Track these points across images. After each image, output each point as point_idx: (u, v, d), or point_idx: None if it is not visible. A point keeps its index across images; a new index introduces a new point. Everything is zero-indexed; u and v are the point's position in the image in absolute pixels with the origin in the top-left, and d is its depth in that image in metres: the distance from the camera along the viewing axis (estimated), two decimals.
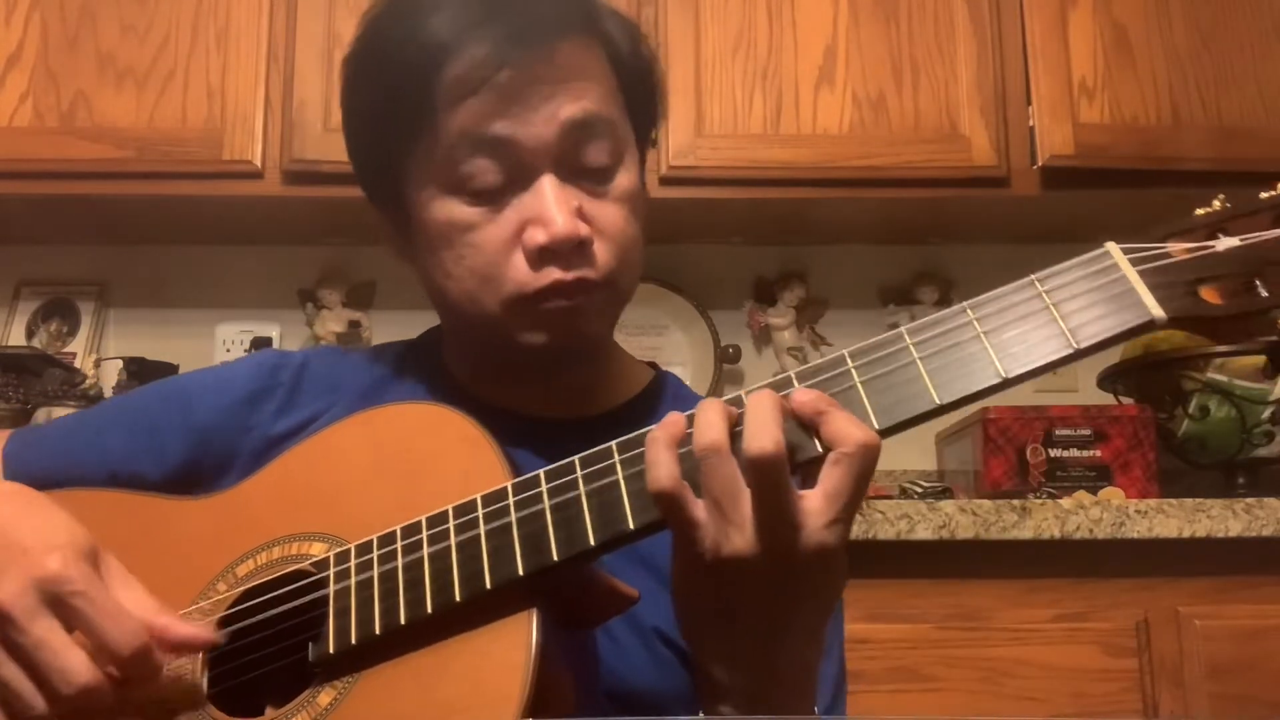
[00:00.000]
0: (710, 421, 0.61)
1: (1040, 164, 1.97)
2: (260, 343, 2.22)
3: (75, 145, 1.95)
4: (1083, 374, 2.21)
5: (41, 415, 1.91)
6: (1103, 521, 1.55)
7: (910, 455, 2.16)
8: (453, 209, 0.80)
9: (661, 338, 2.29)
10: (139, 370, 2.07)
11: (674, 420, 0.63)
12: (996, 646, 1.56)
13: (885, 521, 1.54)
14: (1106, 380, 2.01)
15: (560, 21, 0.80)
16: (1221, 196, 0.66)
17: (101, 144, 1.95)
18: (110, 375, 2.13)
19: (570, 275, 0.78)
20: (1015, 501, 1.57)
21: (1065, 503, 1.58)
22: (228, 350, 2.24)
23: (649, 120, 0.89)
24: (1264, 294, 0.61)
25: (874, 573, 1.55)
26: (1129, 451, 1.83)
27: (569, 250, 0.77)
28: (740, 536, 0.60)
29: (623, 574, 0.68)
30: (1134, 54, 2.02)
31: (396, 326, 0.98)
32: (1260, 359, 1.82)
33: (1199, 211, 0.65)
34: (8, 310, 2.29)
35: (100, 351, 2.25)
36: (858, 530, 1.53)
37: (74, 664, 0.61)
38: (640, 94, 0.87)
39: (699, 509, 0.61)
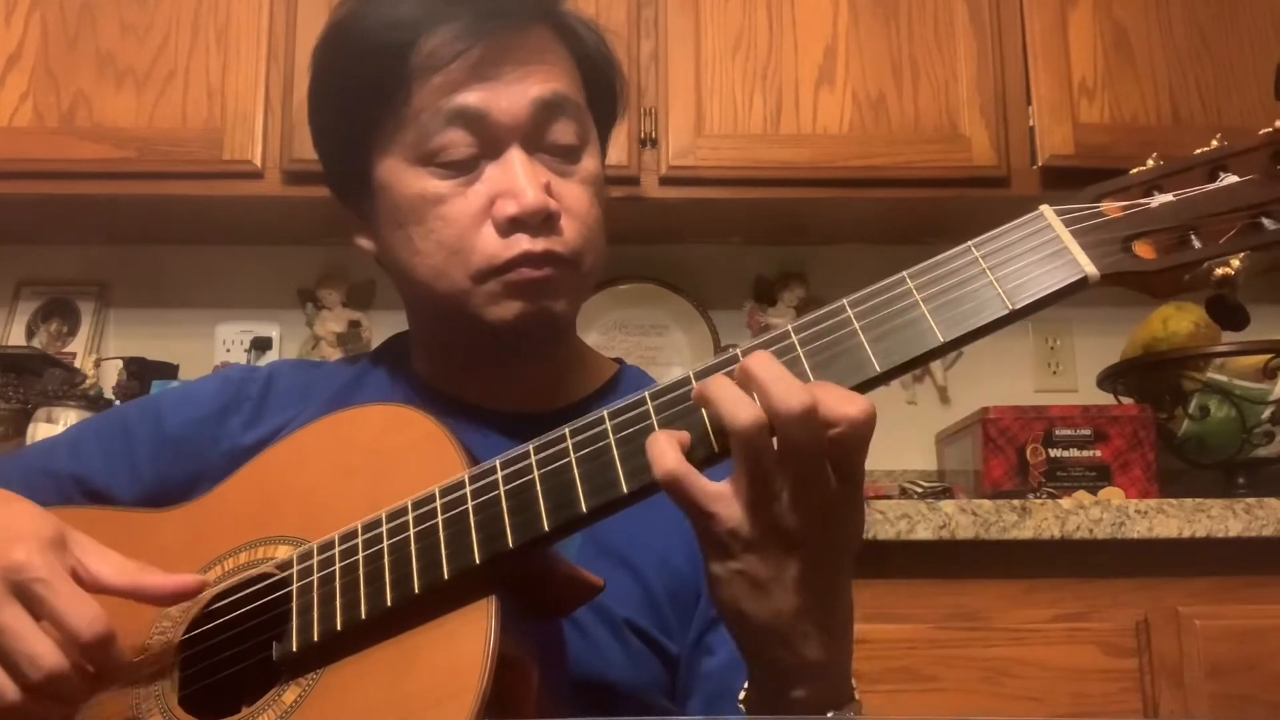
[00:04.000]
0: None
1: (1040, 164, 1.97)
2: (260, 343, 2.22)
3: (75, 145, 1.95)
4: (1083, 374, 2.21)
5: (41, 415, 1.91)
6: (1103, 521, 1.55)
7: (910, 455, 2.14)
8: (424, 181, 0.82)
9: (661, 338, 2.29)
10: (139, 370, 2.07)
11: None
12: (996, 646, 1.56)
13: (885, 521, 1.54)
14: (1106, 380, 2.01)
15: (528, 9, 0.84)
16: (1155, 155, 0.67)
17: (101, 144, 1.95)
18: (110, 375, 2.13)
19: (539, 245, 0.80)
20: (1015, 501, 1.57)
21: (1065, 503, 1.58)
22: (228, 350, 2.24)
23: (609, 119, 0.92)
24: (1197, 245, 0.61)
25: (874, 573, 1.55)
26: (1129, 451, 1.83)
27: (538, 222, 0.80)
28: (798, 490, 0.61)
29: (592, 566, 0.68)
30: (1134, 54, 2.02)
31: (396, 326, 0.98)
32: (1260, 359, 1.82)
33: (1133, 170, 0.66)
34: (8, 310, 2.29)
35: (100, 351, 2.25)
36: None
37: (40, 649, 0.61)
38: (602, 92, 0.90)
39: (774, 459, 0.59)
